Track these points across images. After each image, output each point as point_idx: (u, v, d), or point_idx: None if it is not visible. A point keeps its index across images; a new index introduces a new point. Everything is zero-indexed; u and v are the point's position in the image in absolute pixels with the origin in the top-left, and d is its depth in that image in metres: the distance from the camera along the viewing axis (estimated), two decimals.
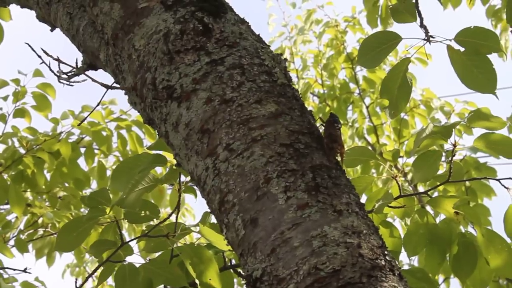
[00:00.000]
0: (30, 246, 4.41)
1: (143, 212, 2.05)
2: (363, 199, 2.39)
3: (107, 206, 2.01)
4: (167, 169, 2.08)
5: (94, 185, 4.72)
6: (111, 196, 2.09)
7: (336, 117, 1.70)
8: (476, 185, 4.31)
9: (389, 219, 2.47)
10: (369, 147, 5.92)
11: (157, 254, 2.22)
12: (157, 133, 1.76)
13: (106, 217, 2.07)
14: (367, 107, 5.89)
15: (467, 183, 4.43)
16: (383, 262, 1.44)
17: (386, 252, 1.47)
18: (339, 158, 1.63)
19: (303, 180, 1.51)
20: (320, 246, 1.43)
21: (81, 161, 4.49)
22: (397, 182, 2.30)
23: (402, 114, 5.59)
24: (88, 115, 1.98)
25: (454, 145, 2.21)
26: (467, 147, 2.42)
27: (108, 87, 1.83)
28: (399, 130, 5.63)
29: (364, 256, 1.42)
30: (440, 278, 5.03)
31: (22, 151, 4.28)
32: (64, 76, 2.09)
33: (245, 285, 1.51)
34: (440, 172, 2.36)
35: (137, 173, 1.96)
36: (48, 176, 4.42)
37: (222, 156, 1.57)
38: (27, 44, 2.08)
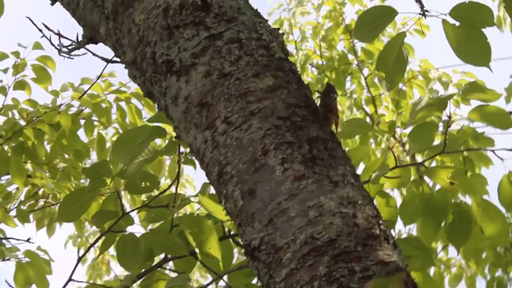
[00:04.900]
0: (31, 217, 4.44)
1: (143, 183, 2.08)
2: (361, 168, 2.42)
3: (108, 177, 2.04)
4: (167, 142, 2.11)
5: (93, 156, 4.74)
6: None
7: (332, 87, 1.72)
8: (473, 155, 4.34)
9: (388, 190, 2.51)
10: (368, 118, 5.94)
11: (157, 225, 2.26)
12: (156, 106, 1.78)
13: (107, 188, 2.10)
14: (365, 78, 5.90)
15: (465, 152, 4.47)
16: (378, 232, 1.47)
17: (380, 222, 1.50)
18: (334, 129, 1.66)
19: (300, 152, 1.53)
20: (316, 216, 1.45)
21: (81, 133, 4.51)
22: (393, 153, 2.33)
23: (400, 85, 5.60)
24: (89, 88, 2.01)
25: (449, 117, 2.25)
26: (465, 118, 2.47)
27: (108, 61, 1.86)
28: (397, 101, 5.64)
29: (360, 225, 1.45)
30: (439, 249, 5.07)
31: (23, 123, 4.29)
32: (65, 49, 2.11)
33: (243, 254, 1.54)
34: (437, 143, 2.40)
35: (137, 144, 1.98)
36: (48, 147, 4.44)
37: (220, 128, 1.59)
38: (28, 18, 2.10)
